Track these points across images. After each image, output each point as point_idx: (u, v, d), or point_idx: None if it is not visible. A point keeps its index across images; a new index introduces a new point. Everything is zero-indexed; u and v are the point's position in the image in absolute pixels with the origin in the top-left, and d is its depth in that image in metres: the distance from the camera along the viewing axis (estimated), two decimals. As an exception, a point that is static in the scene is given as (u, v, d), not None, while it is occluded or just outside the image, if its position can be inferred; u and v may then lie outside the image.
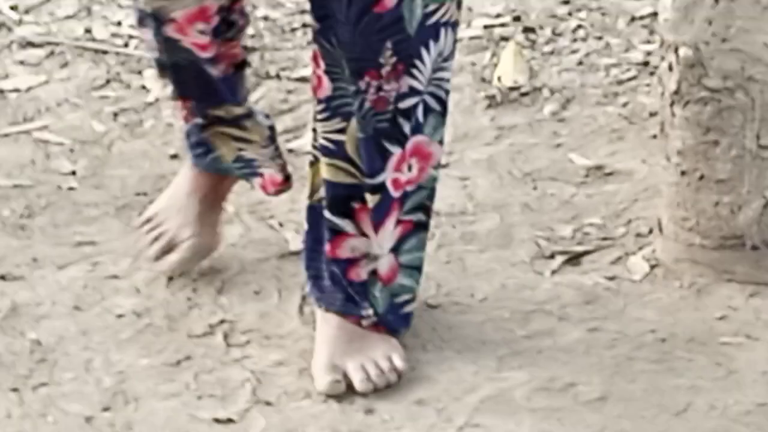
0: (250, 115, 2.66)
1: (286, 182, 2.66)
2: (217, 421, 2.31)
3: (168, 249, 2.60)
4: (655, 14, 3.20)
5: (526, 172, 3.16)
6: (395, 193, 2.37)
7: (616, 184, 3.13)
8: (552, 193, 3.09)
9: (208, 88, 2.63)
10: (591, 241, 2.92)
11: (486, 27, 3.80)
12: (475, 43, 3.77)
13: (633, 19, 3.77)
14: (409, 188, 2.39)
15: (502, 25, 3.87)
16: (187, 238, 2.61)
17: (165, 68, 2.63)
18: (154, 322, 2.59)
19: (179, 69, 2.61)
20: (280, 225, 2.85)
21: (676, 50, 2.61)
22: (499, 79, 3.46)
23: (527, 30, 3.77)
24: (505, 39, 3.72)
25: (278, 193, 2.67)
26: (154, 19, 2.47)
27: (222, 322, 2.58)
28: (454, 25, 2.35)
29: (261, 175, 2.68)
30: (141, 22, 2.52)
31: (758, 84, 2.52)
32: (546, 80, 3.55)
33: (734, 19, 2.52)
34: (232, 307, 2.63)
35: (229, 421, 2.32)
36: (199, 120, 2.67)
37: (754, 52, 2.52)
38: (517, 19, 3.83)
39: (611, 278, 2.76)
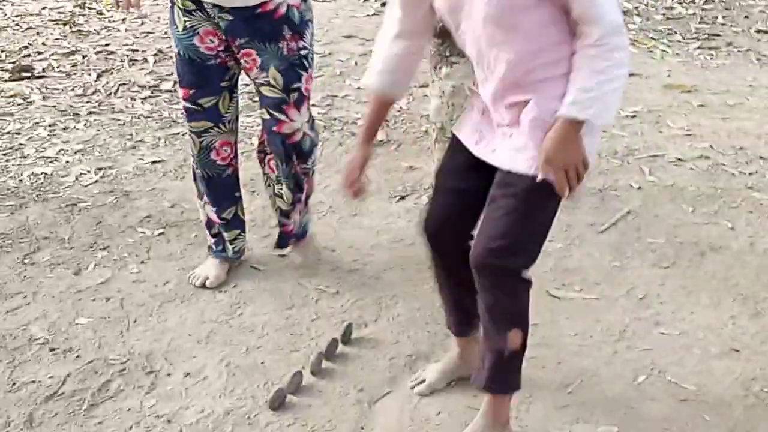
0: (239, 205, 2.78)
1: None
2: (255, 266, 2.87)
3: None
4: (427, 115, 3.32)
5: (386, 169, 3.60)
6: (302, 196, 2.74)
7: (420, 172, 3.56)
8: (397, 176, 3.56)
9: (223, 194, 2.73)
10: (409, 190, 3.43)
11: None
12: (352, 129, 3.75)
13: (422, 116, 4.03)
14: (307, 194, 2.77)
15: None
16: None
17: (206, 184, 2.70)
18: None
19: (210, 180, 2.70)
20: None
21: (435, 124, 3.19)
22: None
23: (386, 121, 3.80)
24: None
25: None
26: (206, 149, 2.63)
27: (254, 226, 3.07)
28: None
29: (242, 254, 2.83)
30: (199, 155, 2.66)
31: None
32: (394, 138, 3.94)
33: (456, 112, 3.00)
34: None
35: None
36: (219, 221, 2.76)
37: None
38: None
39: (415, 204, 3.29)
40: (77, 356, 2.43)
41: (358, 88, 4.67)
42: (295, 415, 2.19)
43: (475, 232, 1.98)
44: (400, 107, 4.36)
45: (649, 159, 3.76)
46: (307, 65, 2.52)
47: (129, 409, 2.21)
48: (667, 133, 4.06)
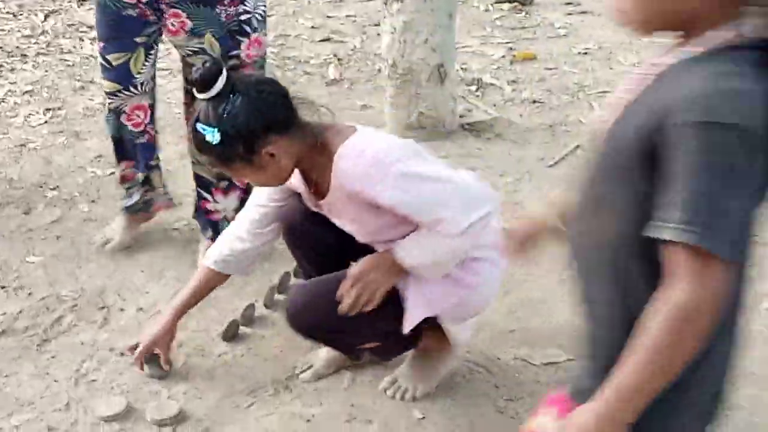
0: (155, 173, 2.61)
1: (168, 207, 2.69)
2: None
3: None
4: (380, 54, 3.35)
5: (340, 108, 3.32)
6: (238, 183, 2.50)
7: (373, 110, 3.58)
8: (351, 114, 3.44)
9: (142, 157, 2.55)
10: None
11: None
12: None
13: (375, 54, 4.04)
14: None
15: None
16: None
17: (116, 143, 2.53)
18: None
19: (122, 142, 2.52)
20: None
21: (387, 61, 3.23)
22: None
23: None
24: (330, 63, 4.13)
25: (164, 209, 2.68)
26: (114, 112, 2.45)
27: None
28: None
29: (154, 206, 2.65)
30: (107, 116, 2.50)
31: (415, 72, 3.09)
32: (347, 76, 3.94)
33: (408, 48, 3.11)
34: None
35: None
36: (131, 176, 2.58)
37: (413, 62, 3.10)
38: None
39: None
40: (29, 293, 2.42)
41: (312, 27, 4.67)
42: (248, 345, 2.22)
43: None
44: (354, 46, 4.35)
45: (598, 95, 3.80)
46: (248, 30, 2.30)
47: (82, 343, 2.22)
48: (618, 70, 4.10)
